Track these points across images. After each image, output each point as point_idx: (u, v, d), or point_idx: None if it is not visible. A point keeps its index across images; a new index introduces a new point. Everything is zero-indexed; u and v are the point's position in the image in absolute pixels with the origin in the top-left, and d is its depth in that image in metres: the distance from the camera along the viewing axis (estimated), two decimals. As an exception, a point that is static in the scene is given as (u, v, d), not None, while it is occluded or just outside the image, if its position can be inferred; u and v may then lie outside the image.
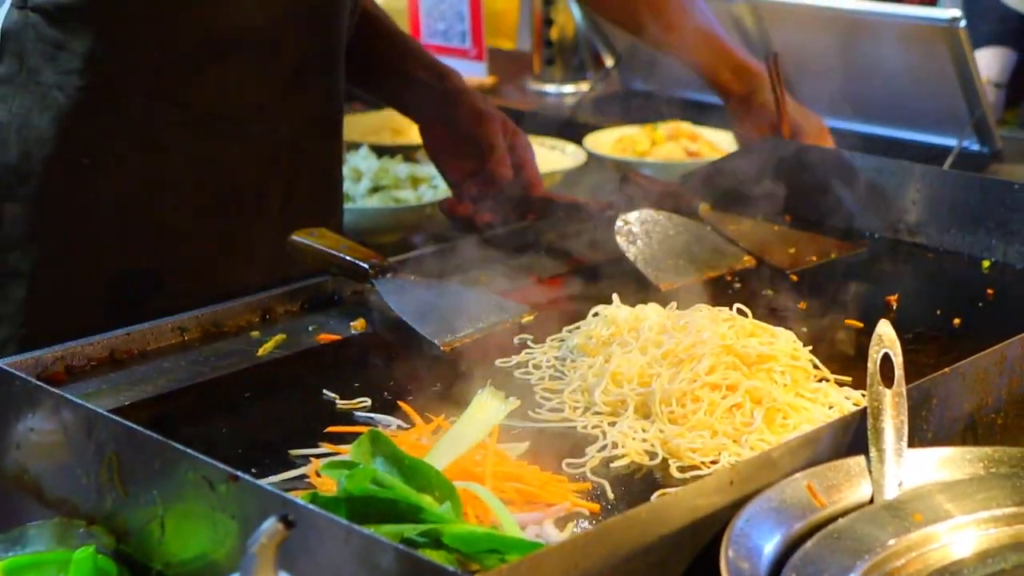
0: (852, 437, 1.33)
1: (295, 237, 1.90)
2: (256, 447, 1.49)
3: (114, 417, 1.32)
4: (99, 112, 1.83)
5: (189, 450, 1.25)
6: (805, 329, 1.77)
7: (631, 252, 1.95)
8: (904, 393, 1.34)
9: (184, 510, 1.26)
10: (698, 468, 1.44)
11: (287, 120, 1.94)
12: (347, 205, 2.70)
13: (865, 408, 1.33)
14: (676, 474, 1.44)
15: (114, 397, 1.61)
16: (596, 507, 1.37)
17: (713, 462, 1.45)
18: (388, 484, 1.28)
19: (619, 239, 1.97)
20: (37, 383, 1.41)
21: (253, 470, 1.41)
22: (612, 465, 1.45)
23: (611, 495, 1.40)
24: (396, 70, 2.15)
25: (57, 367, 1.65)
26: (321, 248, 1.88)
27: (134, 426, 1.30)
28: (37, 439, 1.40)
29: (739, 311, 1.66)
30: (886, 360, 1.36)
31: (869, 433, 1.32)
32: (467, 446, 1.39)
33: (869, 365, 1.35)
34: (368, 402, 1.58)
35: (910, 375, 1.54)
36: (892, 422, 1.32)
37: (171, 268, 1.90)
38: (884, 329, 1.37)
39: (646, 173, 2.92)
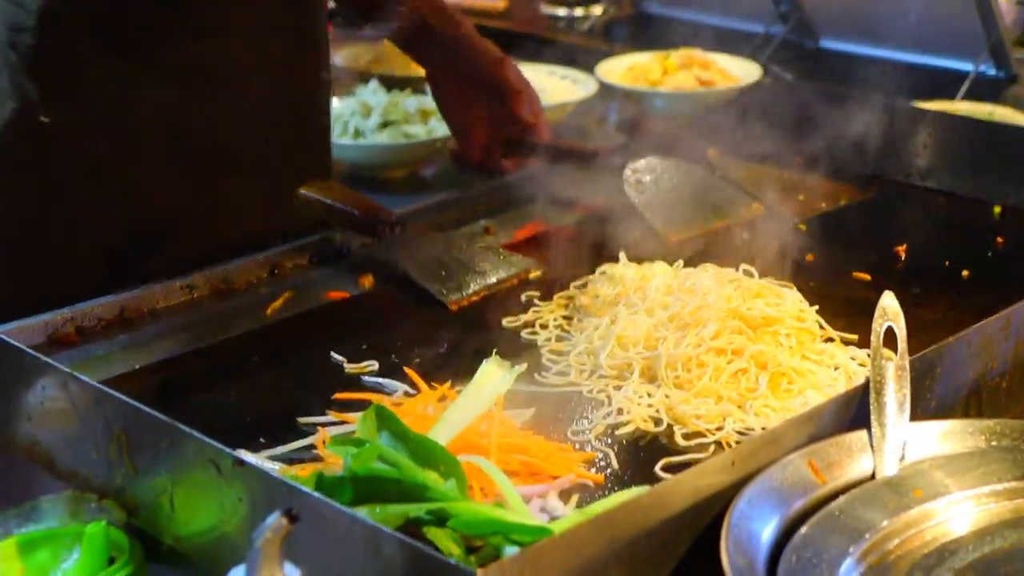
0: (855, 411, 1.34)
1: (303, 190, 1.90)
2: (265, 414, 1.51)
3: (122, 397, 1.33)
4: (55, 70, 1.78)
5: (195, 433, 1.26)
6: (812, 283, 1.77)
7: (639, 202, 1.95)
8: (907, 366, 1.34)
9: (192, 489, 1.28)
10: (703, 435, 1.45)
11: (261, 73, 1.89)
12: (358, 141, 2.71)
13: (867, 382, 1.34)
14: (681, 441, 1.44)
15: (124, 361, 1.62)
16: (600, 478, 1.38)
17: (718, 428, 1.46)
18: (393, 461, 1.29)
19: (627, 189, 1.96)
20: (46, 360, 1.41)
21: (262, 439, 1.43)
22: (617, 432, 1.46)
23: (616, 464, 1.41)
24: (403, 12, 2.13)
25: (67, 328, 1.67)
26: (329, 202, 1.89)
27: (141, 406, 1.31)
28: (47, 413, 1.41)
29: (745, 272, 1.66)
30: (890, 331, 1.36)
31: (871, 408, 1.32)
32: (472, 417, 1.40)
33: (872, 339, 1.35)
34: (375, 365, 1.59)
35: (916, 332, 1.55)
36: (895, 396, 1.33)
37: (141, 226, 1.85)
38: (887, 301, 1.38)
39: (658, 104, 2.92)
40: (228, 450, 1.24)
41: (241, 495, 1.23)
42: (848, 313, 1.69)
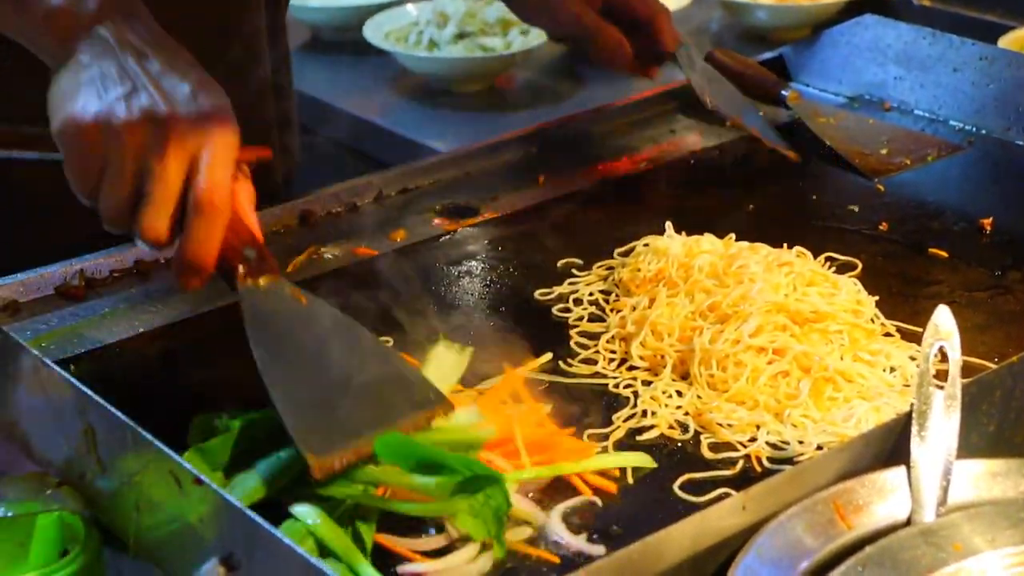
0: (894, 444, 1.19)
1: None
2: (259, 400, 1.39)
3: (88, 392, 1.23)
4: None
5: (157, 442, 1.16)
6: (881, 258, 1.61)
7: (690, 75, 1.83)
8: (958, 395, 1.18)
9: (155, 496, 1.18)
10: (732, 448, 1.31)
11: None
12: (432, 53, 2.57)
13: (910, 412, 1.18)
14: (707, 453, 1.31)
15: (128, 322, 1.52)
16: (613, 487, 1.25)
17: (752, 439, 1.32)
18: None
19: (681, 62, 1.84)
20: (18, 341, 1.32)
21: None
22: (639, 437, 1.33)
23: (631, 479, 1.27)
24: None
25: (76, 280, 1.57)
26: None
27: (107, 406, 1.21)
28: (23, 397, 1.32)
29: (800, 254, 1.51)
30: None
31: (912, 441, 1.17)
32: None
33: (919, 362, 1.19)
34: (390, 343, 1.47)
35: (991, 325, 1.42)
36: (941, 429, 1.18)
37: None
38: (941, 318, 1.21)
39: (760, 17, 2.73)
40: (188, 466, 1.13)
41: (201, 514, 1.13)
42: (916, 298, 1.53)
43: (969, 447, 1.21)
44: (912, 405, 1.19)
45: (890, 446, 1.19)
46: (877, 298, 1.48)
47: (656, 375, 1.41)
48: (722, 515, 1.09)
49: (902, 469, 1.17)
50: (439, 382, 1.28)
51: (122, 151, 1.18)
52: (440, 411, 1.25)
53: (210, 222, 1.20)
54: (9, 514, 1.24)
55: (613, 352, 1.45)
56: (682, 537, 1.07)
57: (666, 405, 1.36)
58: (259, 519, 1.07)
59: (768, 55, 2.10)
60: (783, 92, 1.95)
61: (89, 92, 1.20)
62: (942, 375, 1.19)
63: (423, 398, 1.26)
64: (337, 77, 2.74)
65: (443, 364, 1.32)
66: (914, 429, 1.18)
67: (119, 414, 1.19)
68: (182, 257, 1.22)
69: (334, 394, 1.23)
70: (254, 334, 1.23)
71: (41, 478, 1.28)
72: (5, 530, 1.24)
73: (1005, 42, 2.30)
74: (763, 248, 1.50)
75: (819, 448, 1.30)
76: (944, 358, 1.19)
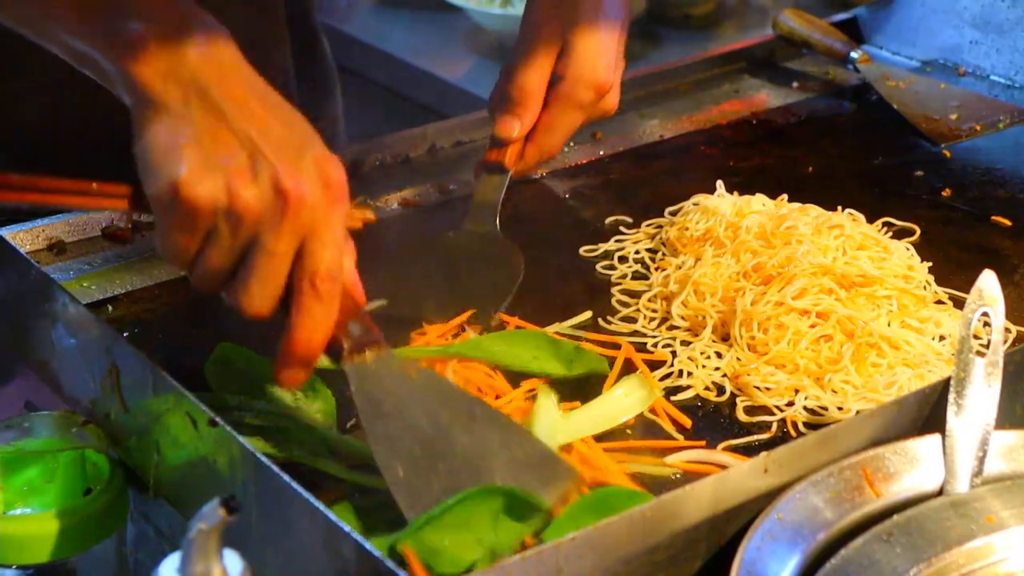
0: (930, 412, 1.15)
1: None
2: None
3: (109, 328, 1.22)
4: None
5: (175, 383, 1.15)
6: (941, 224, 1.56)
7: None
8: (1000, 364, 1.14)
9: (175, 438, 1.17)
10: (768, 412, 1.28)
11: None
12: (505, 10, 2.54)
13: (948, 380, 1.14)
14: (742, 417, 1.27)
15: (169, 266, 1.51)
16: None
17: (789, 404, 1.28)
18: None
19: None
20: (50, 278, 1.31)
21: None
22: (673, 398, 1.30)
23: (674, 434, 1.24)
24: None
25: (123, 223, 1.57)
26: None
27: (127, 344, 1.20)
28: (56, 335, 1.32)
29: (851, 216, 1.46)
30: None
31: (949, 409, 1.13)
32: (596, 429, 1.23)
33: (960, 328, 1.15)
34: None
35: None
36: (980, 397, 1.13)
37: None
38: (986, 282, 1.17)
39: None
40: (204, 407, 1.12)
41: (215, 457, 1.12)
42: (974, 266, 1.47)
43: (1014, 419, 1.17)
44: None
45: (926, 414, 1.15)
46: (931, 264, 1.43)
47: (696, 335, 1.37)
48: (742, 477, 1.06)
49: (937, 438, 1.13)
50: (614, 413, 1.24)
51: (235, 227, 1.08)
52: (573, 487, 1.12)
53: (325, 305, 1.10)
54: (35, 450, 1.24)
55: (654, 311, 1.42)
56: (700, 497, 1.04)
57: (703, 366, 1.33)
58: (270, 463, 1.06)
59: (842, 16, 2.05)
60: (852, 54, 1.90)
61: (195, 155, 1.07)
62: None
63: (553, 474, 1.12)
64: (410, 33, 2.73)
65: (630, 396, 1.27)
66: (951, 397, 1.13)
67: (141, 354, 1.18)
68: (292, 345, 1.10)
69: (461, 482, 1.09)
70: (367, 417, 1.12)
71: (69, 416, 1.28)
72: (31, 466, 1.24)
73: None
74: (813, 209, 1.46)
75: (858, 415, 1.26)
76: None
